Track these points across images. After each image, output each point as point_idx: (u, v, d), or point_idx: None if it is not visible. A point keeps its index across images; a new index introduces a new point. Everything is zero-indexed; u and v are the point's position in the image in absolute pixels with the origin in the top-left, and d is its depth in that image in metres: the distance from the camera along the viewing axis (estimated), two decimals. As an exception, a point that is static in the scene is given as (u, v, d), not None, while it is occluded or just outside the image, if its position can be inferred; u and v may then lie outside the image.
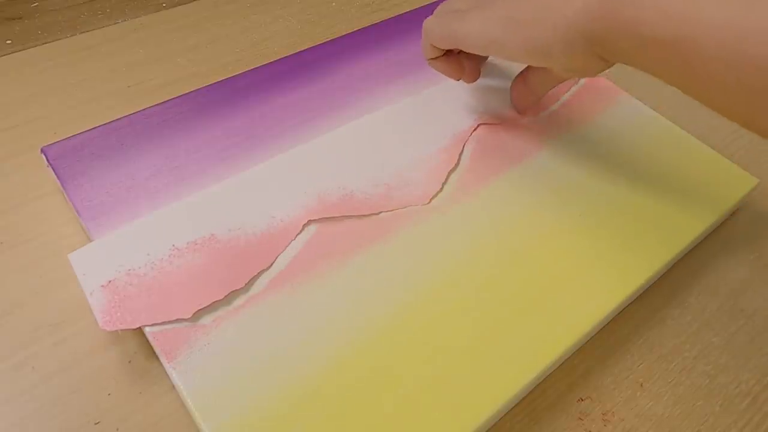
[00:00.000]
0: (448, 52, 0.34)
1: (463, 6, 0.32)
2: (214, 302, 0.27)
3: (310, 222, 0.31)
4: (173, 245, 0.29)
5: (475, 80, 0.36)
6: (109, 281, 0.27)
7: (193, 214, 0.30)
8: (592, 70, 0.29)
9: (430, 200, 0.32)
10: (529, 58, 0.29)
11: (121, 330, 0.27)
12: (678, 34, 0.23)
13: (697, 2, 0.23)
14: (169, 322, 0.26)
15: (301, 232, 0.30)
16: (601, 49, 0.27)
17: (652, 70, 0.26)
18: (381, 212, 0.32)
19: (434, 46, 0.33)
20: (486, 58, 0.39)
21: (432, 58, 0.34)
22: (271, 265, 0.29)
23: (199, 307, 0.27)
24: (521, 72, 0.36)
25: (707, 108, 0.25)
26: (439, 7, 0.34)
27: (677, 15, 0.23)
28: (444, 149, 0.35)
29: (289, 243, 0.30)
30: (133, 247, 0.29)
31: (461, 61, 0.34)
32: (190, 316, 0.26)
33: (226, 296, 0.27)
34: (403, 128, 0.36)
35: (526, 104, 0.37)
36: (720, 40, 0.22)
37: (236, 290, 0.28)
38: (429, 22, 0.33)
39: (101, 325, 0.26)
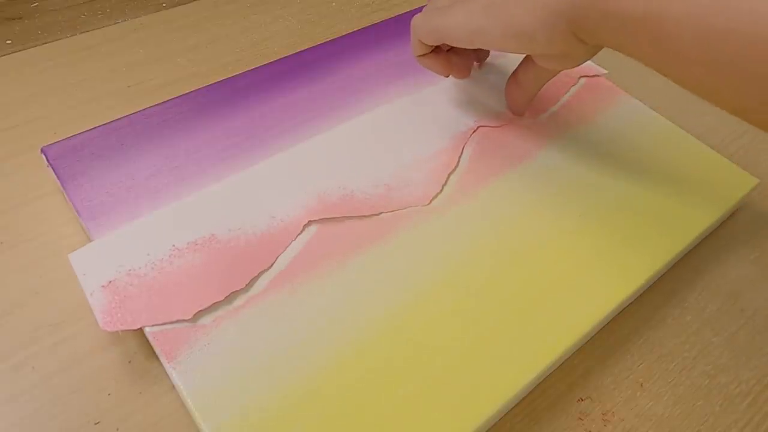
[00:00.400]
0: (437, 49, 0.34)
1: (447, 2, 0.32)
2: (214, 303, 0.27)
3: (310, 222, 0.31)
4: (173, 245, 0.29)
5: (466, 76, 0.36)
6: (110, 281, 0.27)
7: (193, 214, 0.30)
8: (575, 55, 0.30)
9: (431, 201, 0.32)
10: (512, 44, 0.30)
11: (122, 331, 0.27)
12: (646, 9, 0.24)
13: None
14: (170, 322, 0.26)
15: (301, 232, 0.30)
16: (579, 30, 0.27)
17: (628, 50, 0.26)
18: (381, 213, 0.32)
19: (422, 43, 0.34)
20: (481, 55, 0.39)
21: (420, 55, 0.35)
22: (271, 265, 0.29)
23: (200, 308, 0.27)
24: (513, 72, 0.36)
25: (700, 104, 0.25)
26: (426, 5, 0.34)
27: None
28: (444, 150, 0.35)
29: (290, 243, 0.30)
30: (133, 247, 0.28)
31: (449, 57, 0.35)
32: (190, 317, 0.26)
33: (226, 297, 0.27)
34: (404, 127, 0.36)
35: (520, 104, 0.37)
36: (685, 15, 0.22)
37: (236, 290, 0.28)
38: (416, 19, 0.33)
39: (102, 325, 0.26)
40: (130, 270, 0.28)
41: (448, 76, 0.36)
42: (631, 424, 0.28)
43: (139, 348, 0.28)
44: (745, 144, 0.40)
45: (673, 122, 0.39)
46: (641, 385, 0.29)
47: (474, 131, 0.36)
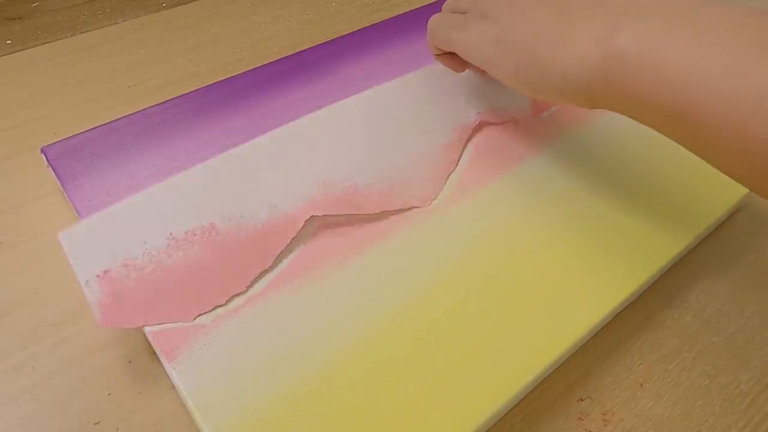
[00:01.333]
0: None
1: (466, 6, 0.31)
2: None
3: (312, 218, 0.30)
4: (171, 233, 0.28)
5: (483, 72, 0.36)
6: (105, 271, 0.26)
7: (190, 195, 0.29)
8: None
9: (431, 202, 0.32)
10: (520, 87, 0.28)
11: (120, 328, 0.27)
12: (678, 102, 0.22)
13: (698, 70, 0.21)
14: (170, 323, 0.26)
15: (303, 227, 0.30)
16: (595, 103, 0.26)
17: (650, 126, 0.25)
18: (383, 211, 0.32)
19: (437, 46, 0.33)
20: None
21: (437, 55, 0.34)
22: (272, 265, 0.29)
23: (201, 311, 0.27)
24: None
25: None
26: (444, 3, 0.34)
27: (677, 83, 0.22)
28: (446, 146, 0.34)
29: (290, 240, 0.29)
30: (127, 229, 0.27)
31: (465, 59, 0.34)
32: (191, 320, 0.26)
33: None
34: (408, 109, 0.35)
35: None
36: (722, 110, 0.21)
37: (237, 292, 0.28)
38: (433, 23, 0.33)
39: (99, 321, 0.25)
40: (126, 260, 0.27)
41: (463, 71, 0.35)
42: (631, 424, 0.28)
43: (139, 348, 0.28)
44: (745, 144, 0.40)
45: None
46: (641, 385, 0.29)
47: (476, 125, 0.36)
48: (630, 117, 0.25)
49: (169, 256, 0.28)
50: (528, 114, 0.38)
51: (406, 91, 0.36)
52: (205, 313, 0.27)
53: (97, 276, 0.26)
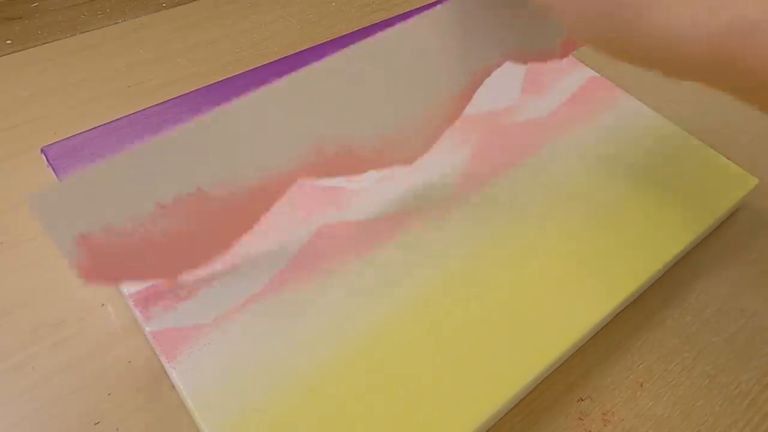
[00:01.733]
0: None
1: None
2: (213, 299, 0.27)
3: (313, 219, 0.30)
4: (157, 203, 0.25)
5: None
6: (84, 235, 0.24)
7: (176, 158, 0.26)
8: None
9: (415, 161, 0.30)
10: (594, 45, 0.23)
11: (103, 285, 0.27)
12: None
13: None
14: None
15: (303, 227, 0.30)
16: (689, 75, 0.21)
17: (761, 109, 0.21)
18: (369, 170, 0.29)
19: None
20: None
21: None
22: (272, 264, 0.29)
23: (184, 271, 0.27)
24: None
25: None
26: None
27: None
28: (460, 94, 0.31)
29: (277, 203, 0.28)
30: (108, 194, 0.24)
31: None
32: (175, 278, 0.27)
33: (224, 293, 0.28)
34: (425, 52, 0.31)
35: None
36: None
37: (236, 288, 0.28)
38: None
39: (80, 276, 0.24)
40: (108, 226, 0.24)
41: None
42: (631, 424, 0.28)
43: (139, 348, 0.28)
44: (745, 144, 0.40)
45: (673, 122, 0.38)
46: (641, 385, 0.29)
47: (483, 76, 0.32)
48: (734, 96, 0.21)
49: (155, 225, 0.25)
50: (557, 56, 0.33)
51: (422, 33, 0.31)
52: (203, 308, 0.27)
53: (77, 239, 0.24)
